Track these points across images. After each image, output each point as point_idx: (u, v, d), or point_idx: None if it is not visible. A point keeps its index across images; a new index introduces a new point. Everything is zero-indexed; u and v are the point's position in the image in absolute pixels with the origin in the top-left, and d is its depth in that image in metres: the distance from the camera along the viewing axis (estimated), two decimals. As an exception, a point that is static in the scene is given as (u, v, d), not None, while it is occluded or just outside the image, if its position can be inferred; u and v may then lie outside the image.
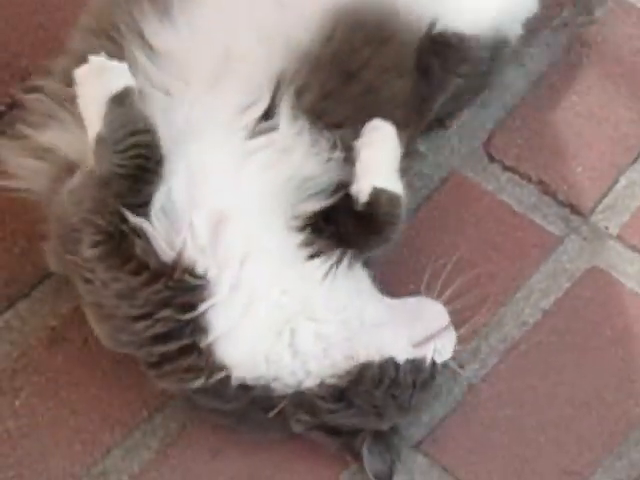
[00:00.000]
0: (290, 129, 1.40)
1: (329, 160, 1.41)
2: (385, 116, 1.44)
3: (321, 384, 1.37)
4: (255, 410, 1.40)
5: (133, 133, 1.33)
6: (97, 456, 1.44)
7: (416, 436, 1.44)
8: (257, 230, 1.37)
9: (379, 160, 1.42)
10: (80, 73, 1.36)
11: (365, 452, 1.41)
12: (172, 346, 1.36)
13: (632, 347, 1.52)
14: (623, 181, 1.64)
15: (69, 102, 1.41)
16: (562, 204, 1.62)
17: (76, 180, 1.35)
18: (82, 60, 1.40)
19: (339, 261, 1.40)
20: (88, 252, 1.35)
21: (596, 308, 1.55)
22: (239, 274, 1.36)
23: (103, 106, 1.34)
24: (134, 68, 1.41)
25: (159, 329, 1.35)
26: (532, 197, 1.61)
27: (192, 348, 1.36)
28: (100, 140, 1.34)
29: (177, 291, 1.34)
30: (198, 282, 1.35)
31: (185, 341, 1.35)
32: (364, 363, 1.37)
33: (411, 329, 1.40)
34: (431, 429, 1.45)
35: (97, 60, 1.36)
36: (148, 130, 1.34)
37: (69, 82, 1.41)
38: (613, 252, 1.59)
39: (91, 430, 1.46)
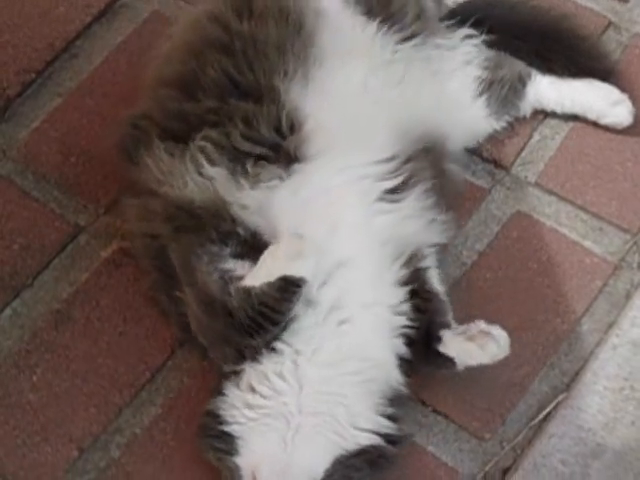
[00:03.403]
0: (415, 203, 1.50)
1: (430, 225, 1.52)
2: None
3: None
4: None
5: (268, 318, 1.39)
6: (111, 416, 1.55)
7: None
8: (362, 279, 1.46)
9: None
10: (285, 243, 1.40)
11: None
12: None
13: (555, 275, 1.63)
14: (536, 136, 1.76)
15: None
16: (487, 160, 1.73)
17: (214, 287, 1.41)
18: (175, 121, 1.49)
19: None
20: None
21: (522, 246, 1.66)
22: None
23: (274, 276, 1.38)
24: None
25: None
26: (463, 157, 1.72)
27: None
28: (246, 291, 1.39)
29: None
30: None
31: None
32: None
33: None
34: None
35: (300, 243, 1.40)
36: (279, 324, 1.40)
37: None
38: (533, 197, 1.70)
39: (103, 394, 1.56)
